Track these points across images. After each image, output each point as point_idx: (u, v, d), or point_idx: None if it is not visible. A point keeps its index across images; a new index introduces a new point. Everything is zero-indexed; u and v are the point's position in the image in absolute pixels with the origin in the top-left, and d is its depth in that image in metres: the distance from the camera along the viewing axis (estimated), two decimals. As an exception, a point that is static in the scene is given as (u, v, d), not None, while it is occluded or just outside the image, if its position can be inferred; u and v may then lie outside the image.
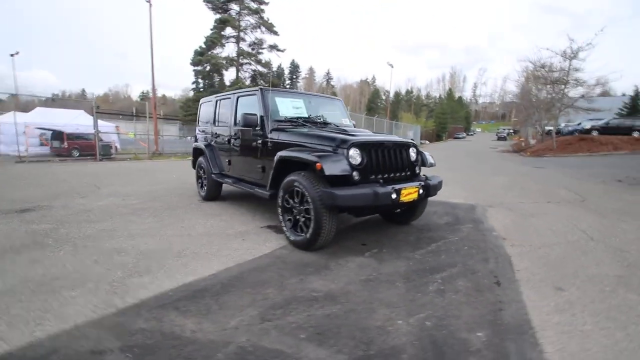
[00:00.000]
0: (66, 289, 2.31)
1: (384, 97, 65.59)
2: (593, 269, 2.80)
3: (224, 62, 17.28)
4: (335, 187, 2.83)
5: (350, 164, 2.93)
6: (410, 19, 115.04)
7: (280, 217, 3.37)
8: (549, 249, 3.29)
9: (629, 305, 2.20)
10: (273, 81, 19.85)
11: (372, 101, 64.15)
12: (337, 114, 4.58)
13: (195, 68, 18.11)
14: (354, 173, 2.96)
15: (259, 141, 3.85)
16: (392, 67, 32.10)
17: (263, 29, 19.07)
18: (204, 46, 18.28)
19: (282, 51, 19.47)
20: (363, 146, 3.07)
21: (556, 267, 2.83)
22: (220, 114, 4.97)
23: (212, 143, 5.14)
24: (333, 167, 2.84)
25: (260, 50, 19.32)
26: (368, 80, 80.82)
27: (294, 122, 3.96)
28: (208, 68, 17.43)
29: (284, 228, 3.32)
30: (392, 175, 3.29)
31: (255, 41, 19.29)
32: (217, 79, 19.60)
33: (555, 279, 2.59)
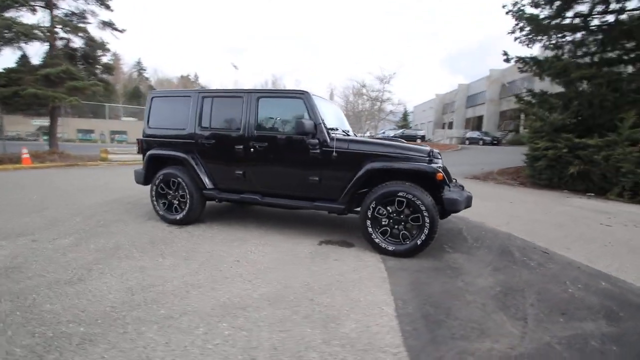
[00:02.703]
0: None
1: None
2: (553, 233, 4.39)
3: (39, 31, 11.97)
4: (449, 194, 3.15)
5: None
6: (231, 18, 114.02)
7: (370, 229, 3.29)
8: (515, 225, 4.77)
9: (606, 248, 3.73)
10: (111, 66, 15.44)
11: (198, 100, 60.17)
12: (343, 120, 4.65)
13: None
14: None
15: (317, 150, 3.50)
16: (237, 68, 31.63)
17: (88, -3, 14.66)
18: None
19: (120, 31, 15.59)
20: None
21: (540, 236, 4.24)
22: (214, 115, 3.96)
23: (196, 151, 4.02)
24: (448, 177, 3.14)
25: (82, 24, 14.73)
26: (190, 77, 75.23)
27: (333, 129, 3.82)
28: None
29: (377, 240, 3.28)
30: None
31: (76, 11, 14.58)
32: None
33: (556, 243, 3.94)
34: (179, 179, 4.03)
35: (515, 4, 10.53)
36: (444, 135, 32.64)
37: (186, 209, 4.03)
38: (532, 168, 10.13)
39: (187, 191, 4.01)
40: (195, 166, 3.97)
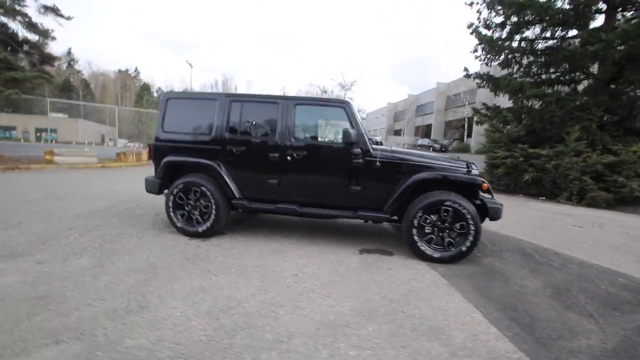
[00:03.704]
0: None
1: (156, 94, 58.58)
2: (543, 235, 4.94)
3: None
4: (492, 203, 3.38)
5: (480, 182, 3.56)
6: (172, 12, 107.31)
7: (416, 237, 3.39)
8: (510, 228, 5.26)
9: (595, 247, 4.30)
10: (51, 56, 13.41)
11: (140, 96, 55.10)
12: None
13: None
14: None
15: (359, 160, 3.51)
16: (192, 66, 30.05)
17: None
18: None
19: (66, 18, 13.79)
20: (468, 167, 3.75)
21: (536, 237, 4.75)
22: (244, 120, 3.75)
23: (223, 158, 3.76)
24: (489, 186, 3.37)
25: (19, 7, 12.78)
26: (130, 72, 68.95)
27: (371, 139, 3.87)
28: None
29: (422, 248, 3.39)
30: None
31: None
32: None
33: (554, 243, 4.44)
34: (202, 187, 3.73)
35: (471, 25, 11.63)
36: (398, 142, 34.51)
37: (211, 220, 3.74)
38: (491, 175, 11.20)
39: (212, 201, 3.72)
40: (224, 174, 3.72)
